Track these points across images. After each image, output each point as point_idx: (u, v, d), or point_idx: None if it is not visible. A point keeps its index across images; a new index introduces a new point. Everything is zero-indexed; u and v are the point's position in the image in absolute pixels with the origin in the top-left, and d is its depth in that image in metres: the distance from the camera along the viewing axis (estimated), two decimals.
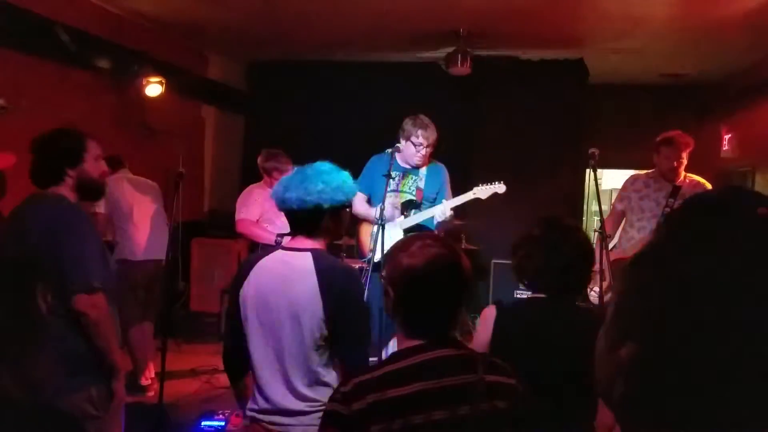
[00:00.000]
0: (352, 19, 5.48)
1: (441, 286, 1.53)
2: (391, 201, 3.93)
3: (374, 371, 1.49)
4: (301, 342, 1.98)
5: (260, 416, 2.05)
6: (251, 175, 5.38)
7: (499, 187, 3.92)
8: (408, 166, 3.98)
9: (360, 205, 4.09)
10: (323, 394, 1.97)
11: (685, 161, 3.97)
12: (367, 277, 3.55)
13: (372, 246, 3.65)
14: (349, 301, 2.02)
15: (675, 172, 3.94)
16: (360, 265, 4.39)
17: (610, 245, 3.79)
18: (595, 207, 7.34)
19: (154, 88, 5.39)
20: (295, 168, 2.14)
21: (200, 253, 6.27)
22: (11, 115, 4.21)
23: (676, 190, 3.95)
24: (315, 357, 2.00)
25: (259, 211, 4.44)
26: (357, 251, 4.24)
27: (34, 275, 1.18)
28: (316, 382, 2.01)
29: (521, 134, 6.53)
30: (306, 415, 2.00)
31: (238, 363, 2.15)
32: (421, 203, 3.95)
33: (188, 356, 5.11)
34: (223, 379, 4.34)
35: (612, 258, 3.43)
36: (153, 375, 4.49)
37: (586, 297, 3.64)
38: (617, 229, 4.18)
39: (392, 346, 3.79)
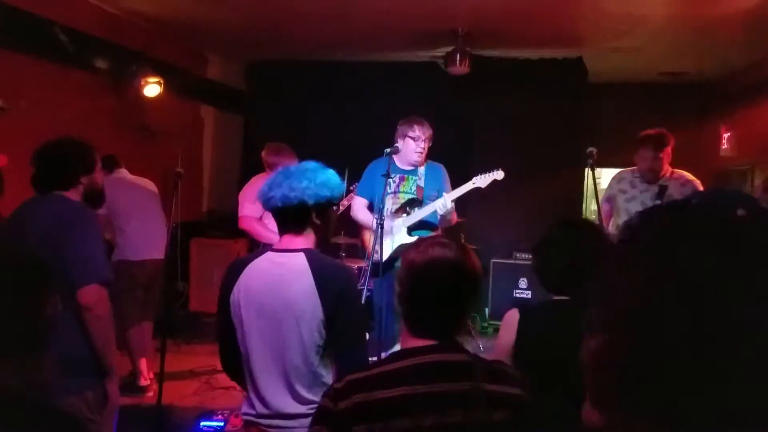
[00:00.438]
0: (351, 19, 5.47)
1: (442, 285, 1.51)
2: (390, 204, 3.92)
3: (370, 370, 1.50)
4: (300, 343, 1.96)
5: (258, 420, 2.02)
6: (250, 176, 5.37)
7: (498, 174, 3.93)
8: (408, 168, 3.97)
9: (360, 211, 4.09)
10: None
11: (664, 160, 3.84)
12: (365, 277, 3.55)
13: (373, 245, 3.65)
14: (347, 300, 2.01)
15: (653, 172, 3.82)
16: (360, 265, 4.40)
17: None
18: (593, 206, 7.35)
19: (152, 89, 5.39)
20: (283, 169, 2.10)
21: (199, 253, 6.27)
22: (10, 115, 4.20)
23: (662, 191, 3.83)
24: (315, 358, 1.98)
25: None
26: (361, 251, 4.26)
27: (40, 275, 1.20)
28: (317, 384, 1.99)
29: (520, 133, 6.53)
30: (307, 417, 1.93)
31: (237, 365, 2.13)
32: (422, 201, 3.95)
33: (187, 356, 5.11)
34: (222, 380, 4.34)
35: None
36: (152, 375, 4.49)
37: None
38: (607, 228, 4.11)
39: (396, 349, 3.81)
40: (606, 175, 8.28)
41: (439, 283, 1.51)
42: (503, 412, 1.42)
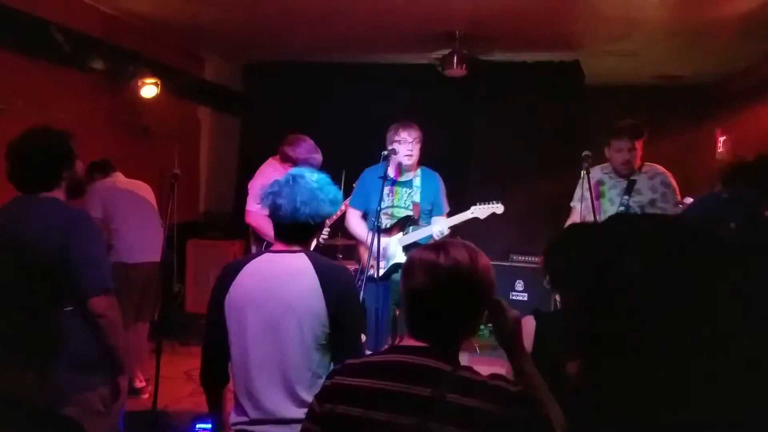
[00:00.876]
0: (348, 21, 5.47)
1: (426, 290, 1.48)
2: (383, 220, 3.84)
3: (363, 358, 1.60)
4: (303, 342, 1.95)
5: (250, 428, 1.98)
6: (247, 177, 5.37)
7: (497, 208, 3.93)
8: (401, 178, 3.92)
9: (355, 224, 4.04)
10: None
11: (638, 152, 3.69)
12: (361, 283, 3.54)
13: (368, 258, 3.61)
14: (349, 299, 2.03)
15: (629, 164, 3.65)
16: (356, 267, 4.37)
17: None
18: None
19: (149, 89, 5.38)
20: (289, 175, 2.12)
21: (195, 254, 6.26)
22: (5, 115, 4.19)
23: (630, 185, 3.68)
24: (317, 357, 1.98)
25: None
26: (356, 258, 4.22)
27: (52, 283, 1.19)
28: (316, 384, 1.95)
29: (517, 136, 6.54)
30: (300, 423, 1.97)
31: (222, 373, 2.12)
32: (418, 218, 3.91)
33: (183, 358, 5.10)
34: None
35: None
36: (146, 377, 4.48)
37: None
38: None
39: None
40: None
41: (421, 286, 1.49)
42: (463, 428, 1.35)
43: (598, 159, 3.86)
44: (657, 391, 0.59)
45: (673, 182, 3.72)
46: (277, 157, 4.55)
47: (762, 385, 0.58)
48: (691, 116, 7.29)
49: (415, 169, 3.94)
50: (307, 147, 4.42)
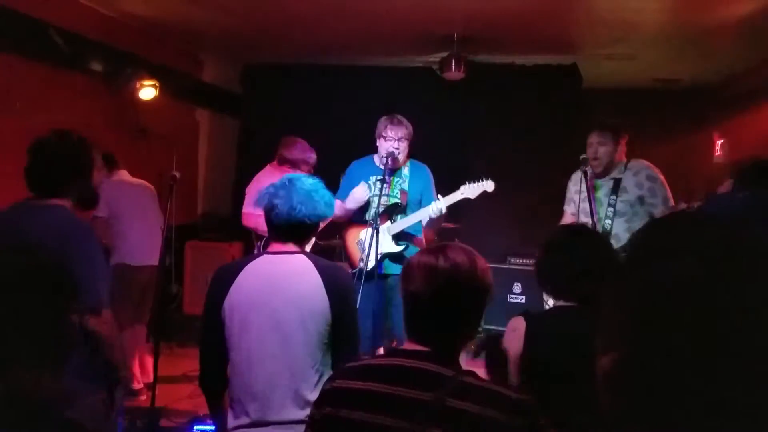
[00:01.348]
0: (346, 24, 5.48)
1: (427, 294, 1.49)
2: (372, 209, 3.80)
3: (361, 361, 1.59)
4: (307, 341, 1.96)
5: (251, 430, 1.98)
6: (246, 179, 5.37)
7: (488, 185, 3.72)
8: (395, 170, 3.87)
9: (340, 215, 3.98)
10: None
11: (611, 150, 3.58)
12: (360, 284, 3.52)
13: (362, 255, 3.60)
14: (349, 298, 2.07)
15: (596, 161, 3.56)
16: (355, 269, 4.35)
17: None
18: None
19: (148, 91, 5.38)
20: (285, 178, 2.16)
21: (194, 256, 6.25)
22: (4, 117, 4.19)
23: (617, 184, 3.59)
24: (320, 356, 1.99)
25: None
26: (345, 258, 4.11)
27: (66, 285, 1.19)
28: (320, 384, 1.96)
29: (515, 139, 6.55)
30: (303, 424, 1.95)
31: (222, 376, 2.11)
32: (406, 206, 3.82)
33: (181, 360, 5.09)
34: None
35: None
36: (145, 381, 4.47)
37: None
38: None
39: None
40: None
41: (422, 291, 1.49)
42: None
43: None
44: (700, 396, 0.59)
45: (660, 175, 3.63)
46: (275, 162, 4.59)
47: None
48: (689, 120, 7.31)
49: (404, 162, 3.88)
50: (301, 147, 4.58)
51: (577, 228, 2.17)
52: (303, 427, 1.91)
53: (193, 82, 6.71)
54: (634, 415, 0.62)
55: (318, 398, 1.53)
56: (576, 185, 3.79)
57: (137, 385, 4.45)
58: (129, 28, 5.61)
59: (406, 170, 3.88)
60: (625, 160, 3.65)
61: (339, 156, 4.87)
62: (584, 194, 3.68)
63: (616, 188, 3.57)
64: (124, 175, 4.58)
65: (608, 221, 3.53)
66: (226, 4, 5.11)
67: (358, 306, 3.38)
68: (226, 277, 2.06)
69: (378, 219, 3.51)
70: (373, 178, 3.81)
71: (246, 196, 4.51)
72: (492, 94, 6.65)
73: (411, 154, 3.93)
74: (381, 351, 3.85)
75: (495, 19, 5.20)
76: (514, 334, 1.99)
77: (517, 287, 6.11)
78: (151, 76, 5.40)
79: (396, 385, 1.43)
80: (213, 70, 7.12)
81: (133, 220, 4.44)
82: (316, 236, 2.23)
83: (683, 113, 7.34)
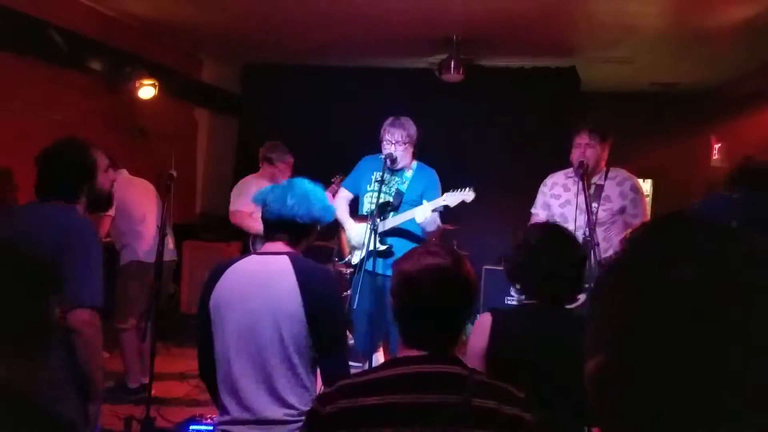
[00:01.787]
0: (346, 25, 5.49)
1: (435, 296, 1.49)
2: (366, 204, 3.84)
3: (360, 377, 1.51)
4: (280, 342, 1.97)
5: (234, 428, 2.00)
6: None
7: (467, 195, 3.61)
8: (397, 171, 3.85)
9: (339, 203, 3.93)
10: (304, 402, 1.98)
11: (599, 154, 3.49)
12: (357, 280, 3.52)
13: (349, 249, 3.63)
14: (328, 300, 2.04)
15: (582, 164, 3.41)
16: (350, 270, 4.36)
17: None
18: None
19: (147, 91, 5.38)
20: (285, 181, 2.20)
21: (191, 255, 6.25)
22: (3, 116, 4.20)
23: (598, 191, 3.48)
24: (297, 359, 1.99)
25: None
26: (338, 253, 4.19)
27: (47, 278, 1.18)
28: (298, 385, 2.00)
29: (513, 141, 6.56)
30: (285, 425, 1.97)
31: (215, 372, 2.12)
32: (398, 206, 3.76)
33: (177, 359, 5.09)
34: None
35: None
36: (143, 381, 4.46)
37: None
38: None
39: (379, 355, 3.78)
40: None
41: (431, 293, 1.49)
42: (489, 429, 1.39)
43: None
44: (693, 400, 0.59)
45: (641, 188, 3.63)
46: (258, 173, 4.86)
47: None
48: (687, 123, 7.32)
49: (409, 164, 3.84)
50: (281, 148, 4.86)
51: (547, 229, 2.19)
52: (282, 426, 1.95)
53: (192, 82, 6.72)
54: (623, 418, 0.62)
55: (319, 422, 1.43)
56: (552, 189, 3.73)
57: (134, 385, 4.43)
58: (129, 28, 5.62)
59: (409, 172, 3.84)
60: (605, 168, 3.57)
61: (337, 157, 4.88)
62: (562, 199, 3.65)
63: (598, 196, 3.47)
64: (124, 173, 4.59)
65: (586, 229, 3.43)
66: (226, 5, 5.12)
67: (355, 306, 3.42)
68: (214, 276, 2.09)
69: (373, 217, 3.52)
70: (376, 174, 3.80)
71: (232, 197, 4.75)
72: (491, 97, 6.66)
73: (418, 157, 3.90)
74: (381, 352, 3.84)
75: (494, 22, 5.22)
76: (480, 329, 2.00)
77: (513, 290, 6.12)
78: (151, 76, 5.41)
79: (417, 392, 1.41)
80: (212, 70, 7.13)
81: (145, 217, 4.44)
82: (312, 238, 2.23)
83: (681, 117, 7.35)
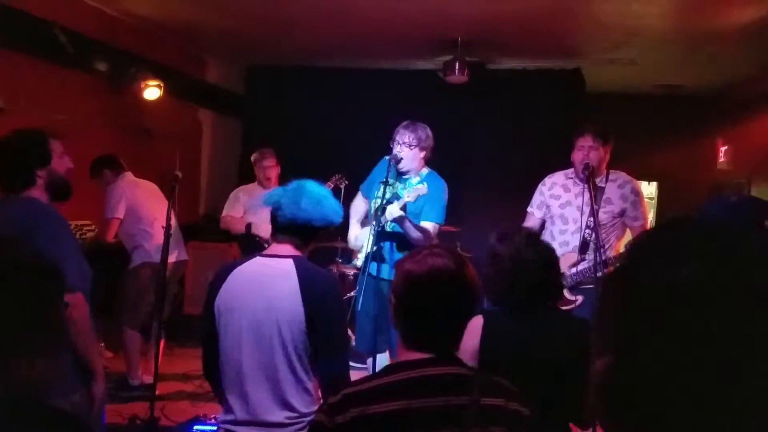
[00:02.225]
0: (350, 27, 5.50)
1: (438, 296, 1.49)
2: (374, 205, 3.73)
3: (363, 384, 1.48)
4: (282, 344, 1.99)
5: (236, 428, 2.02)
6: (248, 180, 5.39)
7: (421, 190, 3.47)
8: (405, 176, 3.73)
9: (354, 206, 3.91)
10: (305, 404, 1.99)
11: (602, 156, 3.52)
12: (362, 282, 3.51)
13: (369, 256, 3.56)
14: (328, 303, 2.05)
15: (587, 166, 3.43)
16: (355, 271, 4.36)
17: None
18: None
19: (152, 91, 5.39)
20: (294, 182, 2.19)
21: (195, 256, 6.24)
22: (8, 115, 4.20)
23: (599, 193, 3.50)
24: (298, 362, 2.01)
25: (243, 208, 4.91)
26: (342, 254, 4.15)
27: (56, 276, 1.19)
28: (300, 389, 2.01)
29: (517, 143, 6.55)
30: (285, 427, 1.98)
31: (217, 371, 2.14)
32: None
33: (181, 359, 5.10)
34: None
35: None
36: (145, 381, 4.46)
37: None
38: None
39: (384, 357, 3.76)
40: None
41: (438, 294, 1.49)
42: (500, 427, 1.40)
43: None
44: (698, 400, 0.59)
45: (641, 190, 3.69)
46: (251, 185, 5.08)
47: None
48: (692, 126, 7.31)
49: (417, 171, 3.71)
50: (260, 151, 5.05)
51: (536, 238, 2.21)
52: (283, 428, 1.96)
53: (196, 83, 6.73)
54: (628, 418, 0.62)
55: None
56: (552, 190, 3.72)
57: (136, 382, 4.44)
58: (133, 29, 5.63)
59: (415, 179, 3.67)
60: (605, 171, 3.60)
61: (340, 158, 4.89)
62: (562, 200, 3.65)
63: (599, 198, 3.49)
64: (130, 175, 4.59)
65: (588, 230, 3.48)
66: (231, 6, 5.13)
67: (359, 308, 3.41)
68: (220, 277, 2.11)
69: (375, 220, 3.50)
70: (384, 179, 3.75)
71: (226, 204, 5.05)
72: (495, 99, 6.65)
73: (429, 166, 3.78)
74: (387, 353, 3.81)
75: (499, 24, 5.21)
76: (471, 331, 1.98)
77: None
78: (155, 77, 5.42)
79: (428, 396, 1.40)
80: (217, 71, 7.14)
81: (155, 218, 4.43)
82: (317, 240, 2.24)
83: (686, 119, 7.34)
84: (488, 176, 6.64)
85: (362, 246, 3.72)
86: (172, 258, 4.42)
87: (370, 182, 3.91)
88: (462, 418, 1.36)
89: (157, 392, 3.68)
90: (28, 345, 1.00)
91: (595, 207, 3.33)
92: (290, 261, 2.07)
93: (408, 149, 3.60)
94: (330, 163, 4.94)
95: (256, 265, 2.11)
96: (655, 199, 7.59)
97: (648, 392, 0.59)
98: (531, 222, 3.77)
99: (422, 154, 3.67)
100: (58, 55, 4.66)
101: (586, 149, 3.52)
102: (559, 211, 3.64)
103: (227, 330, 2.04)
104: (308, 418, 1.97)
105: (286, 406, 1.98)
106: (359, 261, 3.73)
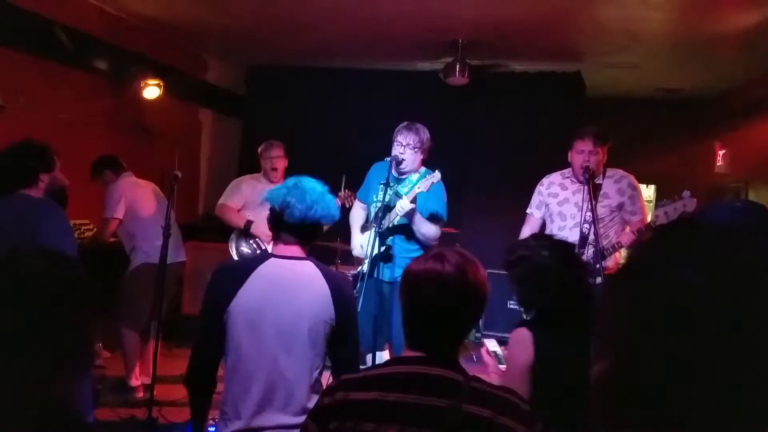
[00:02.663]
0: (351, 27, 5.50)
1: (434, 299, 1.49)
2: (372, 213, 3.77)
3: (361, 372, 1.56)
4: (311, 349, 1.97)
5: None
6: None
7: (435, 176, 3.48)
8: (402, 176, 3.78)
9: (354, 214, 3.95)
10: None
11: (600, 159, 3.59)
12: (362, 285, 3.52)
13: (370, 256, 3.55)
14: (352, 309, 2.08)
15: (587, 168, 3.49)
16: (353, 271, 4.35)
17: None
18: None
19: (152, 91, 5.39)
20: (290, 179, 2.16)
21: (194, 256, 6.23)
22: (8, 113, 4.20)
23: (596, 189, 3.55)
24: (319, 363, 2.01)
25: (243, 201, 4.70)
26: (341, 254, 4.13)
27: (89, 290, 1.22)
28: (316, 392, 1.98)
29: (517, 145, 6.55)
30: (295, 429, 1.92)
31: (212, 378, 2.06)
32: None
33: (179, 360, 5.07)
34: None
35: None
36: (144, 381, 4.45)
37: None
38: None
39: (383, 354, 3.77)
40: None
41: (429, 296, 1.49)
42: None
43: None
44: (700, 403, 0.59)
45: (638, 186, 3.73)
46: (258, 174, 4.87)
47: None
48: (691, 130, 7.32)
49: (416, 171, 3.73)
50: (268, 143, 4.86)
51: (563, 253, 2.18)
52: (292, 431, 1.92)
53: (197, 83, 6.73)
54: (628, 420, 0.62)
55: (318, 413, 1.47)
56: (550, 188, 3.81)
57: (135, 383, 4.43)
58: (134, 28, 5.62)
59: (414, 177, 3.70)
60: (602, 168, 3.69)
61: (341, 159, 4.89)
62: (561, 197, 3.73)
63: (596, 194, 3.55)
64: (131, 175, 4.57)
65: (586, 225, 3.53)
66: (231, 6, 5.13)
67: (359, 309, 3.41)
68: (233, 277, 2.01)
69: (376, 222, 3.50)
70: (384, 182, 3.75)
71: (227, 189, 4.79)
72: (495, 101, 6.66)
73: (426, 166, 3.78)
74: (386, 354, 3.82)
75: (500, 26, 5.22)
76: (521, 345, 1.97)
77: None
78: (156, 76, 5.42)
79: (407, 392, 1.40)
80: (217, 71, 7.14)
81: (156, 218, 4.40)
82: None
83: (685, 123, 7.35)
84: (488, 178, 6.64)
85: (363, 252, 3.73)
86: (171, 258, 4.42)
87: (366, 188, 3.91)
88: (437, 421, 1.35)
89: (155, 393, 3.67)
90: (68, 365, 1.00)
91: (593, 202, 3.40)
92: (311, 264, 2.05)
93: (411, 151, 3.62)
94: (330, 164, 4.93)
95: (275, 267, 2.03)
96: (654, 202, 7.60)
97: (649, 393, 0.59)
98: (531, 223, 3.83)
99: (422, 155, 3.71)
100: (59, 53, 4.66)
101: (586, 153, 3.57)
102: (558, 208, 3.71)
103: (248, 334, 1.95)
104: None
105: (304, 410, 1.92)
106: (365, 266, 3.64)
